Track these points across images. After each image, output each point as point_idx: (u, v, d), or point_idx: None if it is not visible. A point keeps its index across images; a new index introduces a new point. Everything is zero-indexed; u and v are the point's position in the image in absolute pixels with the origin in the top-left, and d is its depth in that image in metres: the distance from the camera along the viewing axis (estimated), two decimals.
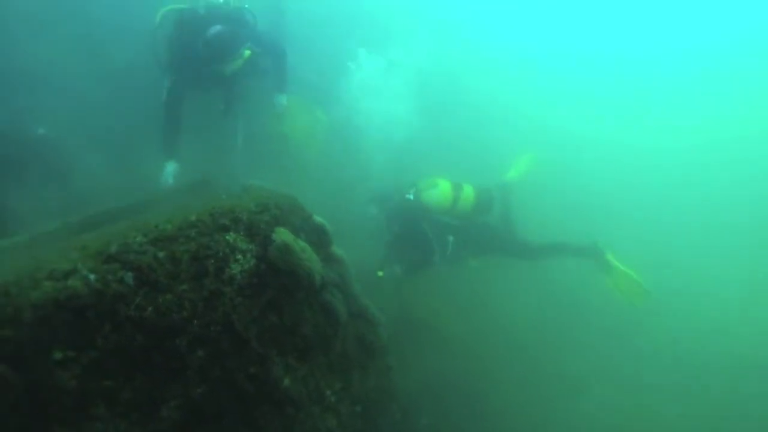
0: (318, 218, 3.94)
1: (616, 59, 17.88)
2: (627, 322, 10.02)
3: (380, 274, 7.26)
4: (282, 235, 3.20)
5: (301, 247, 3.28)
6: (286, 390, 3.28)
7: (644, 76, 18.21)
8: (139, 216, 4.74)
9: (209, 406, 2.79)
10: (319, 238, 3.96)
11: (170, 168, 6.36)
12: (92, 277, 2.42)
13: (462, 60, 12.81)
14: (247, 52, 6.36)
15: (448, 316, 8.07)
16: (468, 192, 7.61)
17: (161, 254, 2.72)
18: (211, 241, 2.94)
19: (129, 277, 2.56)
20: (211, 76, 6.53)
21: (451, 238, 7.55)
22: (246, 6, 6.96)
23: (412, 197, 7.47)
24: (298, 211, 3.82)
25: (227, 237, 3.02)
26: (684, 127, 17.43)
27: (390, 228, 7.49)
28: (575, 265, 8.51)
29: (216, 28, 6.19)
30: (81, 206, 5.06)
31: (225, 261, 2.96)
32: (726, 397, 9.04)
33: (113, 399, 2.44)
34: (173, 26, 6.46)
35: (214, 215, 3.06)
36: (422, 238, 7.45)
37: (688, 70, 18.40)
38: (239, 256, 3.04)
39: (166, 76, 6.51)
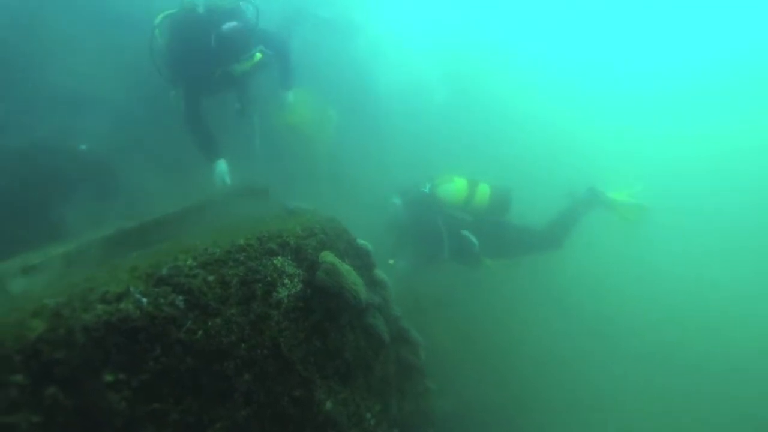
0: (362, 241, 3.89)
1: (633, 67, 17.75)
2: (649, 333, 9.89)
3: (391, 262, 7.30)
4: (328, 258, 3.15)
5: (347, 270, 3.22)
6: (328, 413, 3.22)
7: (663, 84, 18.04)
8: (194, 221, 4.78)
9: (254, 428, 2.73)
10: (363, 261, 3.91)
11: (221, 167, 6.29)
12: (144, 300, 2.38)
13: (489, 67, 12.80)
14: (258, 55, 6.18)
15: (478, 331, 7.92)
16: (483, 190, 7.64)
17: (211, 278, 2.68)
18: (259, 265, 2.90)
19: (180, 300, 2.52)
20: (222, 78, 6.31)
21: (465, 233, 7.53)
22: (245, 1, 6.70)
23: (427, 190, 7.55)
24: (342, 235, 3.78)
25: (275, 261, 2.98)
26: (701, 136, 17.22)
27: (405, 219, 7.57)
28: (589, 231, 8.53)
29: (230, 24, 5.99)
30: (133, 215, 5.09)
31: (272, 285, 2.92)
32: None
33: (162, 421, 2.39)
34: (173, 32, 6.21)
35: (262, 239, 3.03)
36: (432, 230, 7.50)
37: (706, 79, 18.17)
38: (286, 280, 2.99)
39: (175, 86, 6.37)
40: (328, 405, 3.23)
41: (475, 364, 7.19)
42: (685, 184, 15.05)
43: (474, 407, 6.59)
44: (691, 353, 10.17)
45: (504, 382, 7.35)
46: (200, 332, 2.55)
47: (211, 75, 6.21)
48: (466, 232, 7.52)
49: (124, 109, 6.88)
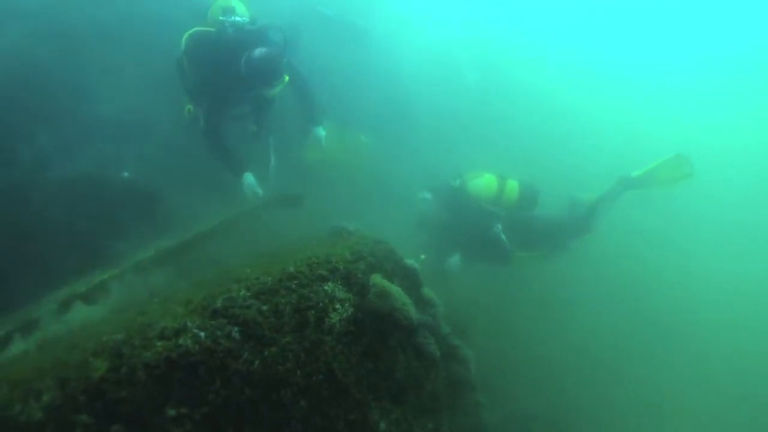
0: (409, 261, 3.88)
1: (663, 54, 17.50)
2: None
3: (423, 257, 7.06)
4: (378, 281, 3.13)
5: (397, 291, 3.20)
6: None
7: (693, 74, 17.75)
8: (231, 235, 4.80)
9: None
10: (411, 281, 3.89)
11: (249, 179, 6.26)
12: (202, 334, 2.38)
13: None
14: (287, 78, 6.07)
15: (519, 339, 7.86)
16: (512, 186, 7.73)
17: (265, 307, 2.68)
18: (311, 292, 2.89)
19: (236, 332, 2.51)
20: (249, 100, 6.34)
21: (499, 226, 7.59)
22: (271, 25, 6.65)
23: (457, 184, 7.62)
24: (390, 256, 3.77)
25: (326, 287, 2.97)
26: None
27: (439, 214, 7.66)
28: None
29: (261, 51, 5.92)
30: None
31: (324, 311, 2.91)
32: None
33: None
34: (202, 49, 6.16)
35: (311, 266, 3.02)
36: (474, 221, 7.55)
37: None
38: (338, 305, 2.98)
39: (197, 102, 6.33)
40: (382, 426, 3.20)
41: (520, 373, 7.12)
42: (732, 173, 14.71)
43: (521, 419, 6.52)
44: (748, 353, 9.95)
45: (548, 392, 7.26)
46: (257, 362, 2.53)
47: (236, 96, 6.24)
48: (500, 226, 7.61)
49: (164, 135, 6.93)
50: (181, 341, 2.32)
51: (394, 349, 3.39)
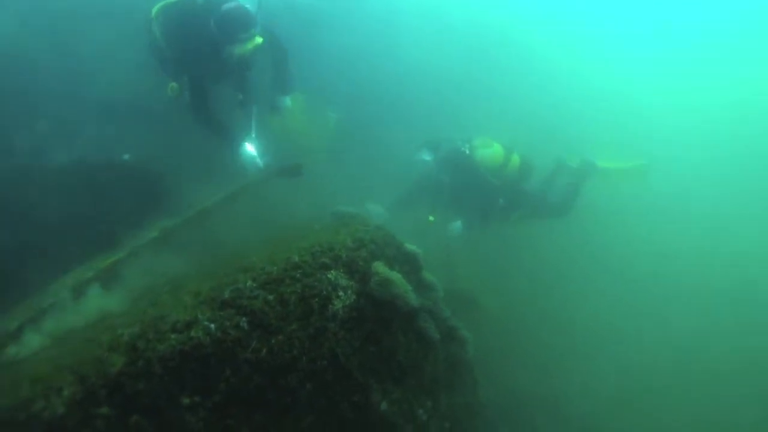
0: (410, 246, 3.96)
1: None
2: None
3: (432, 219, 7.45)
4: (380, 269, 3.22)
5: (398, 278, 3.29)
6: (383, 413, 3.29)
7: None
8: (232, 210, 4.87)
9: None
10: (411, 266, 3.98)
11: (247, 151, 6.15)
12: (212, 326, 2.48)
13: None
14: (260, 39, 5.79)
15: (518, 318, 7.96)
16: (515, 159, 7.85)
17: (271, 297, 2.77)
18: (314, 281, 2.98)
19: (244, 322, 2.60)
20: (224, 65, 6.05)
21: (500, 201, 7.78)
22: None
23: (468, 151, 7.63)
24: (391, 242, 3.86)
25: (329, 275, 3.06)
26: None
27: (440, 176, 7.64)
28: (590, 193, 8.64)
29: (230, 4, 5.74)
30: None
31: (328, 298, 2.99)
32: None
33: None
34: (173, 22, 5.96)
35: (315, 254, 3.11)
36: (483, 186, 7.63)
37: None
38: (341, 293, 3.06)
39: (177, 77, 6.04)
40: (384, 406, 3.30)
41: (518, 352, 7.24)
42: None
43: (519, 396, 6.64)
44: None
45: (547, 371, 7.39)
46: (264, 350, 2.63)
47: (214, 60, 5.98)
48: (501, 200, 7.78)
49: (161, 113, 6.87)
50: (192, 333, 2.41)
51: (396, 333, 3.49)
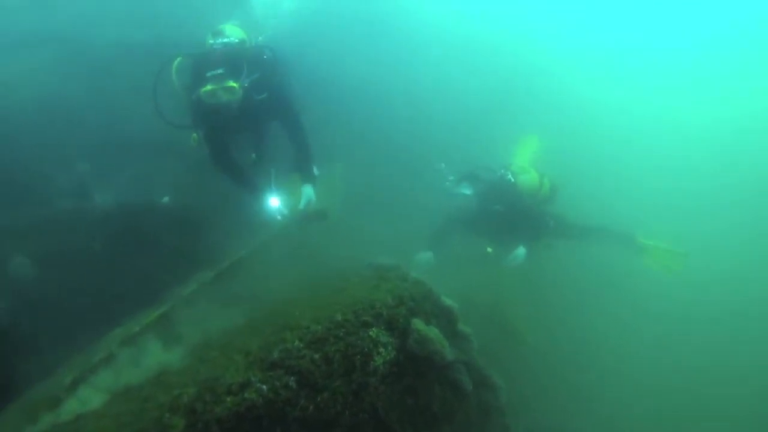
0: (446, 300, 4.08)
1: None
2: None
3: (490, 250, 7.50)
4: (419, 326, 3.34)
5: (435, 334, 3.41)
6: None
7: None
8: (265, 259, 4.99)
9: None
10: (447, 319, 4.10)
11: (270, 199, 6.00)
12: (264, 387, 2.59)
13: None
14: (232, 83, 5.50)
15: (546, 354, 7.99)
16: (546, 184, 7.92)
17: (317, 356, 2.89)
18: (357, 339, 3.10)
19: (292, 381, 2.73)
20: (241, 123, 6.00)
21: (551, 223, 7.80)
22: (263, 44, 6.39)
23: (513, 179, 7.64)
24: (428, 296, 3.97)
25: (370, 333, 3.18)
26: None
27: (487, 207, 7.56)
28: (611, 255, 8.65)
29: (218, 45, 5.78)
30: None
31: (369, 355, 3.11)
32: None
33: None
34: (188, 72, 5.87)
35: (357, 313, 3.24)
36: (532, 211, 7.67)
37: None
38: (381, 349, 3.18)
39: (195, 126, 5.96)
40: None
41: (551, 391, 7.27)
42: None
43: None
44: None
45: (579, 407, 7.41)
46: (311, 407, 2.75)
47: (229, 122, 5.89)
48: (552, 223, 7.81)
49: (196, 155, 6.97)
50: (246, 395, 2.54)
51: (432, 384, 3.61)
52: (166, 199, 6.69)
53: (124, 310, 4.45)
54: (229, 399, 2.50)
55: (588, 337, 8.42)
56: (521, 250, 7.43)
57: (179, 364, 3.07)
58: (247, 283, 4.79)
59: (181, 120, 5.93)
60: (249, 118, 6.07)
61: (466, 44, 11.68)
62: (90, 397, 2.90)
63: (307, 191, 6.23)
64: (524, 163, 8.13)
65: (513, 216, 7.51)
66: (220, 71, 5.47)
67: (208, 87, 5.45)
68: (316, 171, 6.42)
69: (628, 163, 13.26)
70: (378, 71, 9.78)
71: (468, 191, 7.54)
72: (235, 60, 5.65)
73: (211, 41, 5.93)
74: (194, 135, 5.96)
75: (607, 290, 9.49)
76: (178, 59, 5.84)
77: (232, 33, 6.08)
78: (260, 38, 6.77)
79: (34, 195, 6.38)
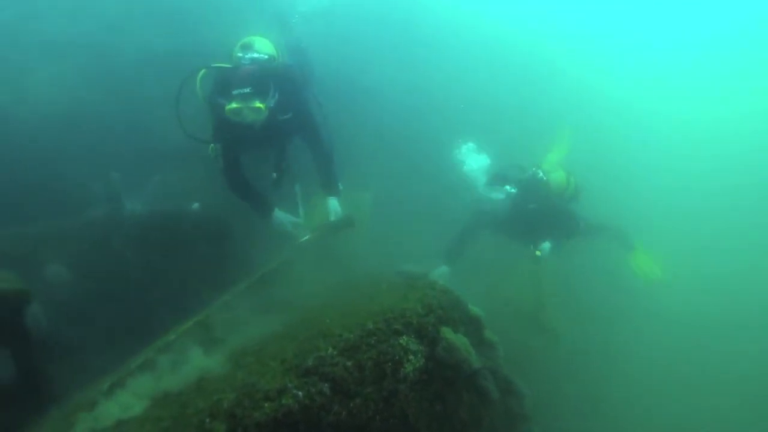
0: (474, 309, 4.15)
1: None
2: None
3: (538, 253, 7.38)
4: (447, 335, 3.42)
5: (462, 343, 3.49)
6: None
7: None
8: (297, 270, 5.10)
9: None
10: (475, 327, 4.18)
11: (279, 216, 6.00)
12: (300, 394, 2.68)
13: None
14: (258, 104, 5.46)
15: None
16: (573, 182, 7.91)
17: (349, 363, 2.98)
18: (388, 347, 3.19)
19: (326, 387, 2.82)
20: (261, 139, 5.89)
21: (581, 223, 7.85)
22: (289, 64, 6.36)
23: (545, 177, 7.66)
24: (456, 305, 4.06)
25: (401, 341, 3.27)
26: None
27: (521, 206, 7.59)
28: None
29: (246, 61, 5.76)
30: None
31: (400, 363, 3.20)
32: None
33: None
34: (212, 85, 5.79)
35: (388, 321, 3.33)
36: (564, 214, 7.73)
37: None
38: (411, 357, 3.27)
39: (215, 138, 5.91)
40: None
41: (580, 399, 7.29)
42: None
43: None
44: None
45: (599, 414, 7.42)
46: (344, 413, 2.84)
47: (249, 136, 5.83)
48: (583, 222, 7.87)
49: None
50: (283, 401, 2.63)
51: (459, 391, 3.69)
52: (196, 205, 6.77)
53: (159, 316, 4.57)
54: (267, 404, 2.58)
55: (612, 343, 8.39)
56: (546, 245, 7.50)
57: (218, 370, 3.15)
58: (280, 289, 4.87)
59: (202, 133, 5.91)
60: (271, 135, 6.03)
61: (492, 47, 11.62)
62: (130, 403, 2.99)
63: (333, 204, 6.24)
64: (553, 162, 8.20)
65: (547, 214, 7.56)
66: (247, 90, 5.43)
67: (234, 105, 5.42)
68: (340, 186, 6.40)
69: (646, 164, 13.11)
70: (401, 74, 9.81)
71: (501, 195, 7.61)
72: (262, 79, 5.59)
73: (239, 54, 5.91)
74: (212, 146, 5.92)
75: (628, 296, 9.44)
76: (203, 71, 5.80)
77: (262, 48, 6.04)
78: (291, 40, 6.96)
79: (68, 203, 6.50)
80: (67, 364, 4.47)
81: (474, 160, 8.25)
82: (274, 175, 6.27)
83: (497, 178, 7.63)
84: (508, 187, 7.58)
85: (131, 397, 3.08)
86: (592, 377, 7.84)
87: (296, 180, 6.46)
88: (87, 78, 7.84)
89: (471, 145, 8.30)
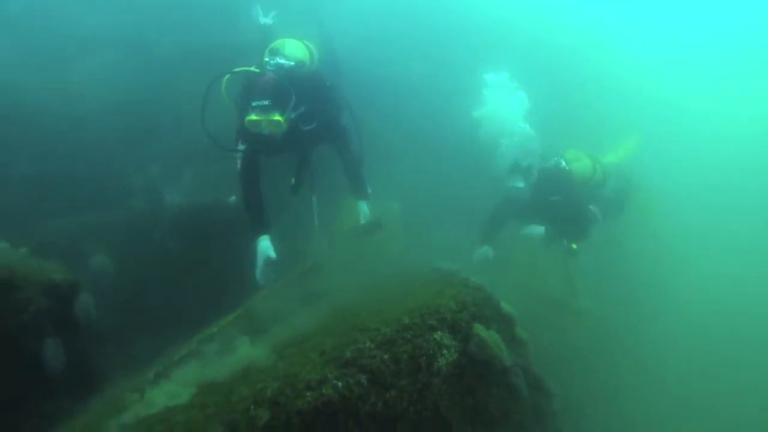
0: (505, 306, 4.23)
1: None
2: None
3: (575, 246, 7.16)
4: (480, 331, 3.52)
5: (494, 340, 3.58)
6: None
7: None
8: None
9: None
10: (507, 324, 4.26)
11: (264, 244, 5.53)
12: (340, 384, 2.80)
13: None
14: (277, 117, 5.25)
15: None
16: (599, 169, 7.73)
17: (386, 356, 3.09)
18: (423, 341, 3.30)
19: (364, 379, 2.93)
20: (272, 144, 5.59)
21: (593, 208, 7.58)
22: (319, 73, 6.14)
23: (568, 167, 7.42)
24: (489, 302, 4.14)
25: (435, 336, 3.37)
26: None
27: (542, 197, 7.27)
28: None
29: (270, 70, 5.51)
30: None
31: (434, 357, 3.30)
32: None
33: None
34: (240, 90, 5.62)
35: (423, 316, 3.44)
36: (581, 207, 7.41)
37: None
38: (445, 351, 3.37)
39: (237, 143, 5.74)
40: None
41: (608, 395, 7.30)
42: None
43: None
44: None
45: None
46: (380, 403, 2.95)
47: (271, 144, 5.60)
48: (594, 208, 7.60)
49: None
50: (324, 391, 2.75)
51: (490, 386, 3.77)
52: (233, 198, 6.87)
53: (198, 305, 4.71)
54: (308, 394, 2.70)
55: (643, 344, 8.38)
56: (539, 229, 7.40)
57: (262, 360, 3.28)
58: (319, 282, 5.01)
59: (226, 140, 5.71)
60: (294, 144, 5.87)
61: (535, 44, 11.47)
62: (176, 391, 3.12)
63: (362, 208, 6.24)
64: (578, 151, 7.82)
65: (568, 207, 7.28)
66: (265, 102, 5.24)
67: (253, 117, 5.25)
68: (369, 189, 6.36)
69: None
70: (442, 71, 9.76)
71: (520, 183, 7.17)
72: (283, 89, 5.39)
73: (266, 59, 5.69)
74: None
75: (659, 293, 9.39)
76: (227, 76, 5.68)
77: (291, 52, 5.86)
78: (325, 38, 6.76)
79: (110, 196, 6.68)
80: (110, 351, 4.63)
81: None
82: (293, 180, 6.06)
83: (514, 169, 7.21)
84: (518, 181, 7.15)
85: (178, 385, 3.21)
86: (623, 380, 7.81)
87: (314, 190, 6.23)
88: (126, 72, 8.03)
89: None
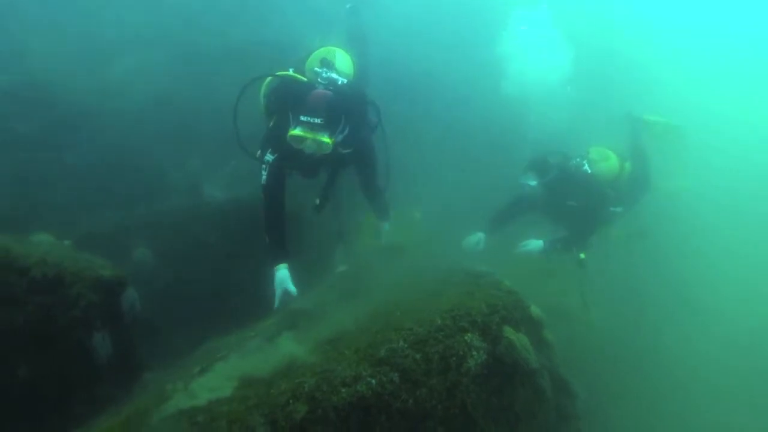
0: (534, 309, 4.34)
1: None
2: None
3: (582, 256, 6.67)
4: (509, 334, 3.63)
5: (522, 343, 3.69)
6: None
7: None
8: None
9: None
10: (535, 327, 4.37)
11: (282, 274, 4.99)
12: (373, 381, 2.92)
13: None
14: (326, 139, 4.83)
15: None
16: (627, 167, 7.41)
17: (418, 356, 3.22)
18: (454, 342, 3.43)
19: (396, 377, 3.05)
20: (304, 159, 5.10)
21: (618, 209, 7.26)
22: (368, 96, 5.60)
23: (589, 169, 6.96)
24: (518, 305, 4.26)
25: (466, 337, 3.50)
26: None
27: (557, 200, 6.85)
28: None
29: (319, 87, 5.00)
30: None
31: (463, 357, 3.43)
32: None
33: None
34: (283, 97, 5.14)
35: (455, 318, 3.58)
36: (594, 216, 6.90)
37: None
38: (474, 353, 3.49)
39: (264, 150, 5.21)
40: None
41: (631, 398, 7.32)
42: None
43: None
44: None
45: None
46: (411, 401, 3.07)
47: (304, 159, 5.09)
48: (619, 209, 7.28)
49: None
50: (358, 387, 2.87)
51: (516, 386, 3.88)
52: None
53: (238, 299, 4.86)
54: (344, 390, 2.83)
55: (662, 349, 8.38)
56: (536, 243, 6.90)
57: (302, 357, 3.42)
58: (355, 283, 5.14)
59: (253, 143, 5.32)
60: (327, 165, 5.52)
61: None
62: (219, 384, 3.26)
63: (383, 229, 6.23)
64: (605, 148, 7.36)
65: (583, 215, 6.79)
66: (318, 121, 4.78)
67: (299, 132, 4.78)
68: (391, 212, 6.23)
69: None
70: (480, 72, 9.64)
71: (533, 182, 6.73)
72: (336, 110, 4.94)
73: (317, 69, 5.20)
74: (258, 151, 5.29)
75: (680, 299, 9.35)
76: (269, 78, 5.42)
77: (342, 66, 5.45)
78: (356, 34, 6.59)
79: (152, 190, 6.86)
80: (151, 342, 4.80)
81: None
82: (317, 201, 5.57)
83: (531, 166, 6.78)
84: (531, 179, 6.73)
85: (221, 378, 3.35)
86: (646, 384, 7.82)
87: (338, 214, 6.15)
88: (167, 68, 8.19)
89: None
